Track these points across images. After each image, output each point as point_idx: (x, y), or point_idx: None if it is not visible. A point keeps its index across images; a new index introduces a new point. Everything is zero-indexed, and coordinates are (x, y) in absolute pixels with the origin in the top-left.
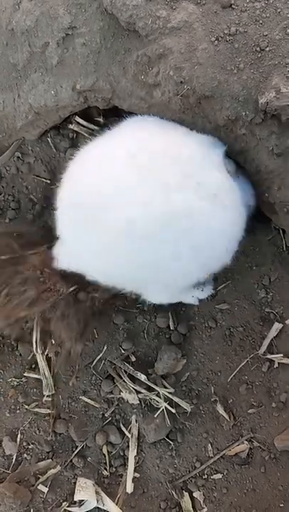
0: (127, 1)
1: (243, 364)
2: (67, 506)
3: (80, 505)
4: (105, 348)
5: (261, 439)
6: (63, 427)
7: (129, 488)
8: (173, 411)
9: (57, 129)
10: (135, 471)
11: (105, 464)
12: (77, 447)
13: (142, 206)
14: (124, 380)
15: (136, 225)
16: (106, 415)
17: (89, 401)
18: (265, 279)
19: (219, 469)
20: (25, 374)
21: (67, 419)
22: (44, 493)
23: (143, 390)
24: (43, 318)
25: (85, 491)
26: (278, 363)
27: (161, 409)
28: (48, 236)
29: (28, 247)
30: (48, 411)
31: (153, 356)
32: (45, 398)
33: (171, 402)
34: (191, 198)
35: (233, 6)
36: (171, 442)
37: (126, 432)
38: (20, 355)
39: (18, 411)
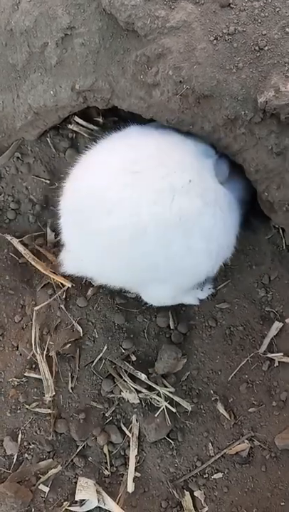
0: (125, 1)
1: (243, 363)
2: (69, 506)
3: (81, 505)
4: (106, 347)
5: (262, 437)
6: (64, 426)
7: (130, 487)
8: (173, 410)
9: (56, 129)
10: (136, 470)
11: (106, 463)
12: (78, 447)
13: (144, 210)
14: (124, 380)
15: (140, 229)
16: (107, 415)
17: (89, 401)
18: (264, 278)
19: (220, 468)
20: (25, 374)
21: (67, 418)
22: (45, 492)
23: (143, 390)
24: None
25: (86, 490)
26: (278, 362)
27: (161, 408)
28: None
29: None
30: (49, 411)
31: (153, 356)
32: (45, 398)
33: (171, 402)
34: (191, 202)
35: (231, 5)
36: (171, 441)
37: (127, 432)
38: (21, 354)
39: (18, 411)
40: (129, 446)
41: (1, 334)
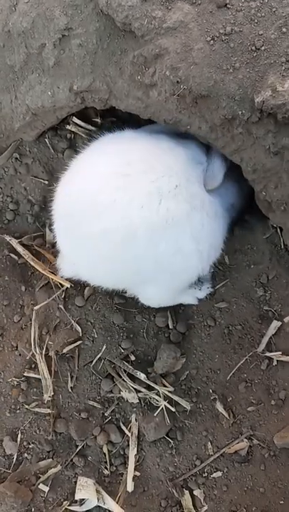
0: (122, 2)
1: (242, 362)
2: (68, 505)
3: (80, 504)
4: (105, 347)
5: (261, 436)
6: (63, 426)
7: (130, 486)
8: (172, 409)
9: (54, 129)
10: (135, 469)
11: (106, 462)
12: (77, 446)
13: (135, 213)
14: (123, 379)
15: (131, 232)
16: (106, 414)
17: (89, 400)
18: (263, 277)
19: (219, 467)
20: (25, 374)
21: (67, 418)
22: (45, 492)
23: (143, 389)
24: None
25: (86, 489)
26: (277, 361)
27: (160, 407)
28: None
29: None
30: (48, 410)
31: (152, 355)
32: (45, 398)
33: (170, 401)
34: (178, 206)
35: (228, 5)
36: (171, 441)
37: (126, 431)
38: (20, 354)
39: (18, 411)
40: (128, 445)
41: (1, 334)
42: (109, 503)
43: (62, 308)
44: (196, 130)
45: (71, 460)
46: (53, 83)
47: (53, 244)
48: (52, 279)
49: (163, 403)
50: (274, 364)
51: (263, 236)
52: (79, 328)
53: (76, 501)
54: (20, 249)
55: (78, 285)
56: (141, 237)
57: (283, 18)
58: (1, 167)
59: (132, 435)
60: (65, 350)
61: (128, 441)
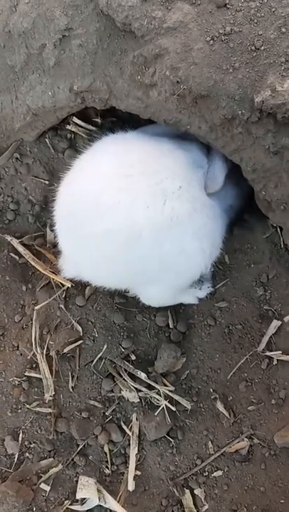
0: (122, 2)
1: (242, 361)
2: (70, 505)
3: (82, 504)
4: (105, 346)
5: (261, 435)
6: (65, 425)
7: (131, 485)
8: (173, 409)
9: (55, 130)
10: (136, 468)
11: (107, 462)
12: (78, 446)
13: (140, 214)
14: (124, 379)
15: (136, 232)
16: (107, 414)
17: (90, 400)
18: (263, 277)
19: (220, 466)
20: (26, 373)
21: (68, 418)
22: (46, 491)
23: (143, 389)
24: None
25: (87, 489)
26: (277, 360)
27: (161, 407)
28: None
29: None
30: (50, 410)
31: (153, 355)
32: (46, 397)
33: (171, 400)
34: (182, 206)
35: (227, 5)
36: (171, 440)
37: (127, 430)
38: (21, 354)
39: (19, 410)
40: (129, 444)
41: (2, 334)
42: (111, 502)
43: (63, 307)
44: (196, 130)
45: (72, 459)
46: (53, 83)
47: (54, 244)
48: (53, 279)
49: (164, 402)
50: (274, 363)
51: (262, 235)
52: (80, 328)
53: (77, 500)
54: (21, 249)
55: (79, 285)
56: (146, 237)
57: (283, 18)
58: (1, 167)
59: (132, 434)
60: (66, 350)
61: (129, 441)
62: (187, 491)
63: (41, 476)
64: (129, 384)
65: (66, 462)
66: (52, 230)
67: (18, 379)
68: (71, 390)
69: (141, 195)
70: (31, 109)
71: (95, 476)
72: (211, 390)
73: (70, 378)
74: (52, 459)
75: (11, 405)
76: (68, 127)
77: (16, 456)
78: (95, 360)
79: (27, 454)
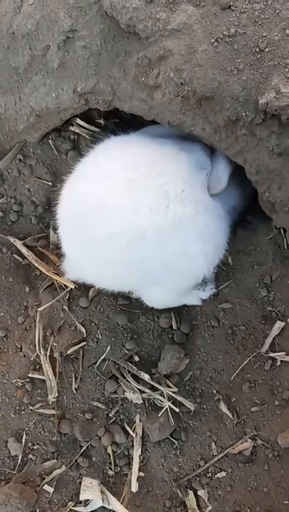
0: (126, 4)
1: (245, 362)
2: (73, 506)
3: (85, 505)
4: (109, 348)
5: (264, 436)
6: (68, 427)
7: (134, 487)
8: (177, 410)
9: (58, 131)
10: (140, 470)
11: (110, 463)
12: (82, 447)
13: (143, 217)
14: (127, 380)
15: (139, 235)
16: (110, 415)
17: (93, 401)
18: (266, 278)
19: (223, 467)
20: (29, 375)
21: (71, 419)
22: (50, 493)
23: (147, 390)
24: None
25: (91, 490)
26: (281, 361)
27: (165, 408)
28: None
29: None
30: (53, 411)
31: (156, 356)
32: (49, 399)
33: (174, 402)
34: (185, 209)
35: (232, 7)
36: (175, 441)
37: (130, 432)
38: (25, 356)
39: (22, 412)
40: (132, 446)
41: (5, 335)
42: (114, 503)
43: (67, 309)
44: (200, 131)
45: (76, 461)
46: (57, 85)
47: (57, 246)
48: (56, 280)
49: (167, 404)
50: (277, 364)
51: (266, 237)
52: (83, 329)
53: (81, 502)
54: (24, 250)
55: (82, 286)
56: (149, 240)
57: (287, 20)
58: (4, 168)
59: (136, 436)
60: (69, 352)
61: (132, 442)
62: (190, 492)
63: (45, 478)
64: (133, 385)
65: (69, 464)
66: (55, 232)
67: (22, 380)
68: (74, 391)
69: (144, 198)
70: (35, 111)
71: (99, 478)
72: (215, 391)
73: (74, 380)
74: (55, 460)
75: (15, 407)
76: (71, 128)
77: (20, 458)
78: (98, 362)
79: (30, 456)
